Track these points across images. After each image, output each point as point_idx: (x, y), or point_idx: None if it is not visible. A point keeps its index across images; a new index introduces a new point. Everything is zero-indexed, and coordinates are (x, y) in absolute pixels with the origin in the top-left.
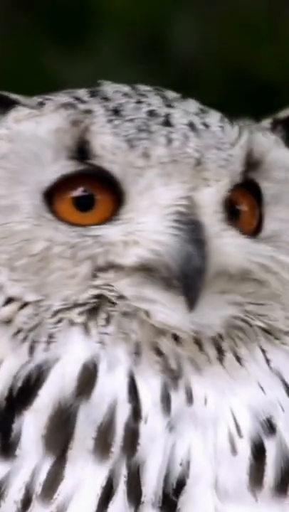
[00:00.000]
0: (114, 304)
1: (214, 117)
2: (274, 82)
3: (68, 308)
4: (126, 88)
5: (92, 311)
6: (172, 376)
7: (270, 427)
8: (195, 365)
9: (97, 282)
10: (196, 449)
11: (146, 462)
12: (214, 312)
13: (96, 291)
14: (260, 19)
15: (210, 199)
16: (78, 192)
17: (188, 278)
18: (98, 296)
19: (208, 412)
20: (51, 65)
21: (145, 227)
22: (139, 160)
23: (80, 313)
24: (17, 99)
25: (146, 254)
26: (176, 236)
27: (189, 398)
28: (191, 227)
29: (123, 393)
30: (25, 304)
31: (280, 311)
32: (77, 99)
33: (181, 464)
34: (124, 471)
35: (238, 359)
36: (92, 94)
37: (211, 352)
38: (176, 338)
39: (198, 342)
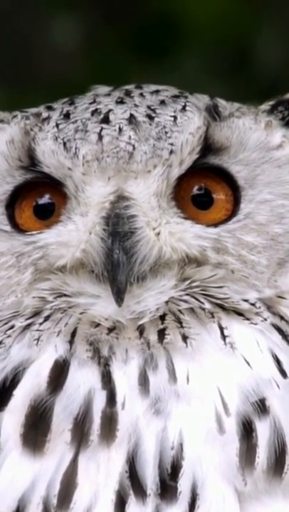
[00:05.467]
0: (55, 303)
1: (171, 108)
2: None
3: (18, 315)
4: (105, 89)
5: (38, 313)
6: (104, 363)
7: (262, 406)
8: (133, 350)
9: (41, 285)
10: (188, 429)
11: (140, 452)
12: (151, 299)
13: (40, 294)
14: None
15: (139, 191)
16: (39, 200)
17: (109, 272)
18: (42, 298)
19: (192, 390)
20: (136, 78)
21: (75, 227)
22: (68, 161)
23: (28, 318)
24: None
25: (77, 254)
26: (101, 232)
27: (172, 378)
28: (113, 221)
29: (96, 382)
30: None
31: (252, 292)
32: (48, 107)
33: (172, 448)
34: (125, 467)
35: (185, 338)
36: (66, 101)
37: (152, 336)
38: (114, 327)
39: (138, 328)
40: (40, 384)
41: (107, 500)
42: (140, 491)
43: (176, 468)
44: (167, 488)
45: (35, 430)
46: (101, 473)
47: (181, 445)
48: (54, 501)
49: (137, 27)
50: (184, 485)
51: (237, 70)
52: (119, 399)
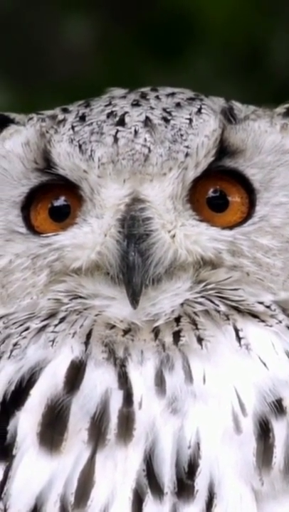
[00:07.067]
0: (70, 304)
1: (186, 110)
2: None
3: (33, 317)
4: (121, 92)
5: (53, 315)
6: (120, 364)
7: (279, 406)
8: (149, 351)
9: (57, 287)
10: (205, 429)
11: (157, 451)
12: (166, 301)
13: (55, 296)
14: None
15: (155, 193)
16: (55, 202)
17: (125, 274)
18: (58, 300)
19: (209, 390)
20: (148, 78)
21: (90, 230)
22: (83, 163)
23: (43, 319)
24: (12, 118)
25: (92, 256)
26: (117, 234)
27: (188, 378)
28: (129, 224)
29: (113, 382)
30: None
31: (267, 295)
32: (63, 109)
33: (189, 447)
34: (142, 466)
35: (201, 340)
36: (82, 103)
37: (167, 338)
38: (130, 329)
39: (154, 330)
40: (57, 384)
41: (124, 498)
42: (157, 490)
43: (193, 467)
44: (184, 487)
45: (52, 429)
46: (118, 471)
47: (198, 444)
48: (71, 499)
49: (150, 27)
50: (200, 484)
51: (249, 71)
52: (136, 399)
